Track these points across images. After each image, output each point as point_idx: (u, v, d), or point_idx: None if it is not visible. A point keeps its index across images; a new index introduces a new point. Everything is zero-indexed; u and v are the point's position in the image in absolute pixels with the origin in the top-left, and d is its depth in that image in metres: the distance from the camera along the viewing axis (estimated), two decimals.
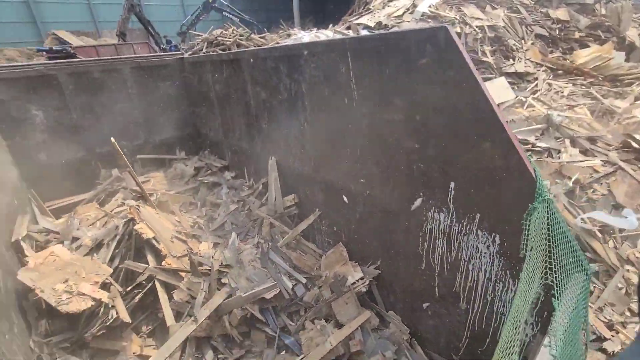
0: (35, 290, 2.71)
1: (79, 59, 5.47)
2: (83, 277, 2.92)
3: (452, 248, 2.22)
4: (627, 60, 7.43)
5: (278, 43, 8.88)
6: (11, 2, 19.45)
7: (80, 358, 2.70)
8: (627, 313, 2.92)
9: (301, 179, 3.60)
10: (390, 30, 7.50)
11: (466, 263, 2.17)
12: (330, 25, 9.42)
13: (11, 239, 3.22)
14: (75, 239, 3.48)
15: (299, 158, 3.48)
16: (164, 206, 4.15)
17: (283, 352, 2.89)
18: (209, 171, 5.29)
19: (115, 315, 2.80)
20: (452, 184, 2.07)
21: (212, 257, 3.39)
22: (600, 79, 6.79)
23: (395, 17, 8.02)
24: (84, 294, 2.77)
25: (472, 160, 1.90)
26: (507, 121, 1.74)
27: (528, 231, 1.65)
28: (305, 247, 3.63)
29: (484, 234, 2.00)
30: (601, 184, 3.82)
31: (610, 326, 2.85)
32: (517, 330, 1.36)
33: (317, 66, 2.76)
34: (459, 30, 7.24)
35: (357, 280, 3.08)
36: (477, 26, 7.38)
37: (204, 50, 8.64)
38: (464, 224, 2.10)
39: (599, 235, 3.33)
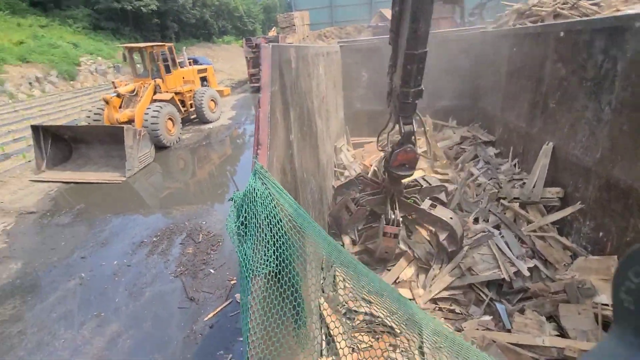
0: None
1: None
2: None
3: None
4: None
5: (618, 10, 6.97)
6: None
7: None
8: None
9: (576, 168, 3.21)
10: None
11: None
12: None
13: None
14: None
15: (583, 145, 3.09)
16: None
17: (488, 318, 3.06)
18: (473, 143, 5.52)
19: None
20: None
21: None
22: None
23: None
24: None
25: None
26: None
27: None
28: (553, 240, 3.34)
29: None
30: None
31: None
32: None
33: None
34: None
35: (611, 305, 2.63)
36: None
37: (510, 23, 8.22)
38: None
39: None
